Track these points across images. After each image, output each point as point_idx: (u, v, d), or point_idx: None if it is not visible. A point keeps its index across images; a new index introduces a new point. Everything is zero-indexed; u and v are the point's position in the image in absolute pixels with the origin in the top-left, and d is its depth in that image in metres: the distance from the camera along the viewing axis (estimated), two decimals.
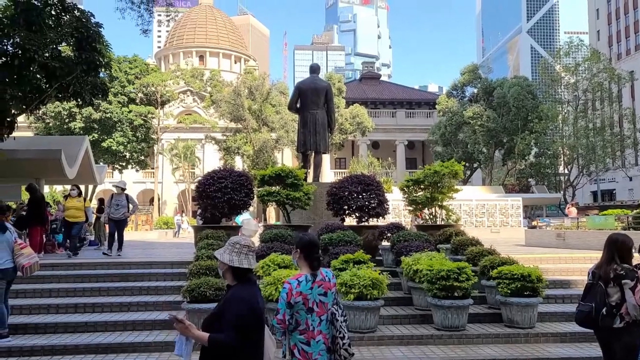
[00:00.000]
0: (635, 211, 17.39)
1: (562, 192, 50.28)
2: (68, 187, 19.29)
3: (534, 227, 24.99)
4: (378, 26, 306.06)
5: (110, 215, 13.75)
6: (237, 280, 3.43)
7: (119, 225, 13.77)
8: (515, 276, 7.96)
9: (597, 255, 9.14)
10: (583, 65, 48.06)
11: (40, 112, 38.17)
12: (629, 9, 75.44)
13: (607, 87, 51.50)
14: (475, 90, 50.98)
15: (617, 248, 4.80)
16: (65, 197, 15.51)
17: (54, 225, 14.28)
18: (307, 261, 3.91)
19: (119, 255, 13.07)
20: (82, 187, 33.77)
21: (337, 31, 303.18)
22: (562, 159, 50.54)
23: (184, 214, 44.24)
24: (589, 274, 4.93)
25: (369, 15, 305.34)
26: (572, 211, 27.40)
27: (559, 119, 48.85)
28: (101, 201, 20.86)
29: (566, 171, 51.16)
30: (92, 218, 14.82)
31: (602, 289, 4.65)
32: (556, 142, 49.73)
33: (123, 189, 14.06)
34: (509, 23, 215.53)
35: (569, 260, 11.92)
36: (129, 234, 33.66)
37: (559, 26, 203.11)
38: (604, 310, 4.59)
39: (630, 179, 56.68)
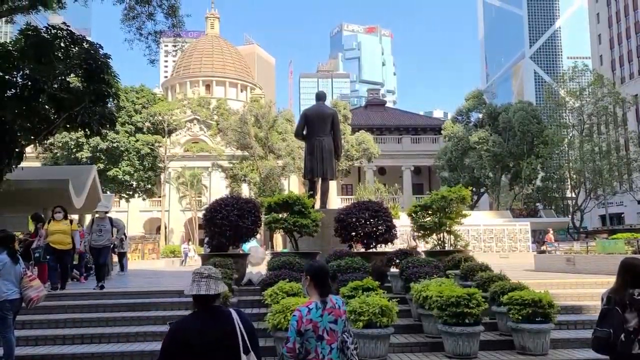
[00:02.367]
0: None
1: (570, 216, 49.92)
2: (75, 216, 19.22)
3: (543, 251, 24.76)
4: (382, 53, 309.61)
5: (92, 242, 12.09)
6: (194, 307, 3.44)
7: (103, 253, 12.28)
8: (526, 302, 7.83)
9: (608, 280, 9.01)
10: (588, 90, 48.20)
11: (48, 142, 38.55)
12: (630, 34, 75.99)
13: (612, 111, 51.54)
14: (480, 116, 51.20)
15: (632, 272, 4.72)
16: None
17: (37, 254, 12.43)
18: (317, 288, 3.88)
19: (100, 287, 11.46)
20: (88, 217, 33.87)
21: (341, 59, 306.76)
22: (569, 183, 50.32)
23: (190, 242, 44.17)
24: (602, 299, 4.84)
25: (373, 43, 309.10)
26: (550, 237, 27.97)
27: (565, 143, 48.83)
28: None
29: (573, 195, 50.88)
30: (80, 244, 13.30)
31: (619, 314, 4.56)
32: (563, 167, 49.60)
33: (106, 212, 12.60)
34: (512, 49, 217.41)
35: (579, 285, 11.77)
36: (136, 263, 33.65)
37: (561, 51, 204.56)
38: (622, 336, 4.49)
39: (639, 202, 56.23)
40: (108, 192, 37.57)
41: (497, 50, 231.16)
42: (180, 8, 16.78)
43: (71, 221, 12.49)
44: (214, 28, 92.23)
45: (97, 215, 12.45)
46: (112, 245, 12.98)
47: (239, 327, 3.34)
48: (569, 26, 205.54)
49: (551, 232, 30.75)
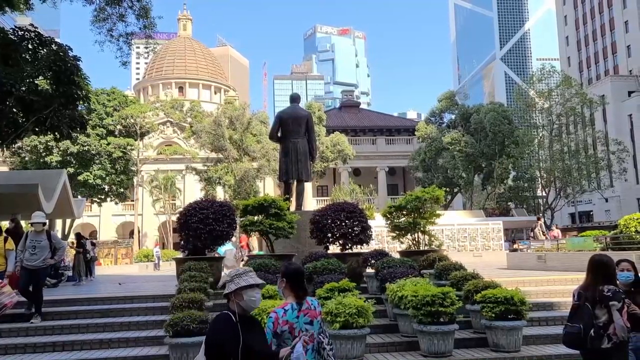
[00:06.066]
0: (612, 232, 17.60)
1: (541, 214, 50.82)
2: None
3: (515, 250, 25.18)
4: (356, 55, 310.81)
5: (25, 262, 9.75)
6: None
7: (36, 276, 9.83)
8: (499, 300, 7.96)
9: (578, 277, 9.21)
10: (556, 91, 49.22)
11: (16, 146, 37.69)
12: (597, 36, 77.89)
13: (579, 111, 52.71)
14: (453, 117, 51.81)
15: (602, 269, 4.84)
16: None
17: None
18: (293, 290, 3.90)
19: (31, 323, 9.40)
20: (59, 222, 32.91)
21: (315, 61, 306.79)
22: (539, 182, 51.27)
23: (159, 246, 43.50)
24: (574, 295, 4.96)
25: (347, 44, 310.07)
26: (553, 233, 28.17)
27: (535, 143, 49.73)
28: (78, 235, 20.43)
29: (544, 194, 51.88)
30: (13, 267, 9.89)
31: (589, 310, 4.68)
32: (533, 166, 50.49)
33: (44, 224, 10.36)
34: (483, 51, 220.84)
35: (550, 282, 12.00)
36: (108, 268, 33.06)
37: (531, 53, 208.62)
38: (592, 331, 4.61)
39: (606, 200, 57.64)
40: (79, 197, 36.85)
41: (468, 52, 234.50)
42: (152, 9, 16.59)
43: (6, 238, 10.23)
44: (187, 29, 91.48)
45: (32, 229, 10.16)
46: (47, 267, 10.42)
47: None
48: (538, 28, 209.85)
49: (555, 227, 30.56)
